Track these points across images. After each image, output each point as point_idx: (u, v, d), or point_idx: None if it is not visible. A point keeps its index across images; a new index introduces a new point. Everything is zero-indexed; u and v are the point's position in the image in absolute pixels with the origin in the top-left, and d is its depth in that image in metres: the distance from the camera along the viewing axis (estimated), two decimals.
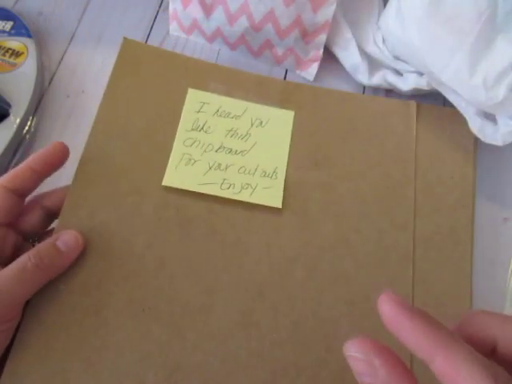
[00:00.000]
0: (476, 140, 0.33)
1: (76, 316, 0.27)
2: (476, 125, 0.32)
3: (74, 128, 0.37)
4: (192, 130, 0.33)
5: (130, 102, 0.33)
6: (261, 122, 0.34)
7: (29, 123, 0.37)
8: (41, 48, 0.40)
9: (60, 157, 0.28)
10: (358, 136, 0.34)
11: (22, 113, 0.36)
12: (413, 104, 0.35)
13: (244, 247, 0.30)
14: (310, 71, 0.39)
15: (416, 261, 0.30)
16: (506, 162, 0.35)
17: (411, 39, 0.32)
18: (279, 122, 0.34)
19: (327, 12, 0.35)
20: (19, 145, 0.36)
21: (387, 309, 0.17)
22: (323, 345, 0.28)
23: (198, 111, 0.33)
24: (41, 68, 0.39)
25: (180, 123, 0.33)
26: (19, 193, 0.27)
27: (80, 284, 0.28)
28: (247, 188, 0.31)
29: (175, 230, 0.30)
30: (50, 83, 0.39)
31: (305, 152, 0.33)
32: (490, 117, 0.32)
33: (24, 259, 0.25)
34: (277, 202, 0.31)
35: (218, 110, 0.34)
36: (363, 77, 0.37)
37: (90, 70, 0.40)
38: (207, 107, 0.34)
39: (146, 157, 0.31)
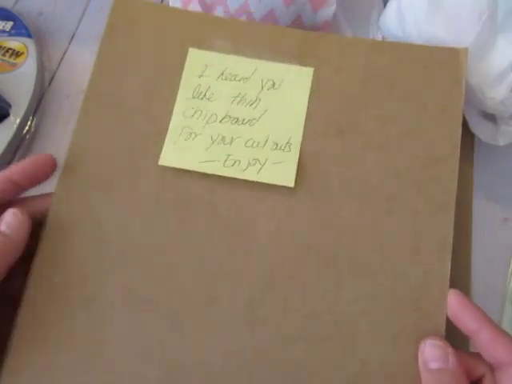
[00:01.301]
0: (474, 138, 0.33)
1: (71, 309, 0.25)
2: (476, 124, 0.32)
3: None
4: (193, 97, 0.29)
5: (124, 69, 0.29)
6: (273, 84, 0.29)
7: (29, 123, 0.37)
8: (41, 48, 0.40)
9: (45, 170, 0.27)
10: (392, 95, 0.28)
11: (21, 113, 0.36)
12: (463, 51, 0.28)
13: (251, 232, 0.26)
14: None
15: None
16: (505, 161, 0.35)
17: (411, 39, 0.32)
18: (295, 82, 0.29)
19: (327, 12, 0.35)
20: (19, 145, 0.36)
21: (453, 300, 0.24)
22: (339, 345, 0.24)
23: (200, 75, 0.29)
24: (41, 68, 0.39)
25: (179, 90, 0.29)
26: None
27: (75, 275, 0.26)
28: (255, 164, 0.27)
29: (174, 215, 0.27)
30: (50, 83, 0.39)
31: (325, 117, 0.28)
32: (489, 117, 0.32)
33: None
34: (289, 181, 0.27)
35: (222, 73, 0.29)
36: None
37: (90, 70, 0.38)
38: (211, 70, 0.29)
39: (141, 131, 0.28)
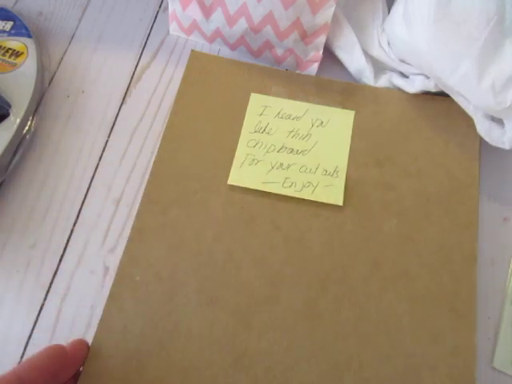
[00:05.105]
0: (481, 141, 0.33)
1: (151, 303, 0.29)
2: (483, 128, 0.32)
3: (74, 128, 0.38)
4: (255, 131, 0.34)
5: (198, 108, 0.35)
6: (321, 122, 0.35)
7: (29, 123, 0.37)
8: (41, 48, 0.40)
9: (63, 362, 0.25)
10: (420, 135, 0.34)
11: (21, 113, 0.36)
12: None
13: (306, 243, 0.31)
14: (310, 71, 0.38)
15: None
16: (506, 162, 0.35)
17: (418, 44, 0.32)
18: (340, 122, 0.35)
19: (326, 14, 0.35)
20: (19, 145, 0.36)
21: None
22: (386, 340, 0.28)
23: (261, 114, 0.35)
24: (41, 68, 0.39)
25: (243, 126, 0.34)
26: None
27: (154, 275, 0.30)
28: (308, 186, 0.32)
29: (240, 226, 0.31)
30: (50, 83, 0.39)
31: (366, 151, 0.34)
32: (497, 120, 0.32)
33: None
34: (338, 200, 0.32)
35: (279, 113, 0.35)
36: (369, 80, 0.37)
37: (90, 70, 0.40)
38: (269, 110, 0.35)
39: (212, 158, 0.33)
